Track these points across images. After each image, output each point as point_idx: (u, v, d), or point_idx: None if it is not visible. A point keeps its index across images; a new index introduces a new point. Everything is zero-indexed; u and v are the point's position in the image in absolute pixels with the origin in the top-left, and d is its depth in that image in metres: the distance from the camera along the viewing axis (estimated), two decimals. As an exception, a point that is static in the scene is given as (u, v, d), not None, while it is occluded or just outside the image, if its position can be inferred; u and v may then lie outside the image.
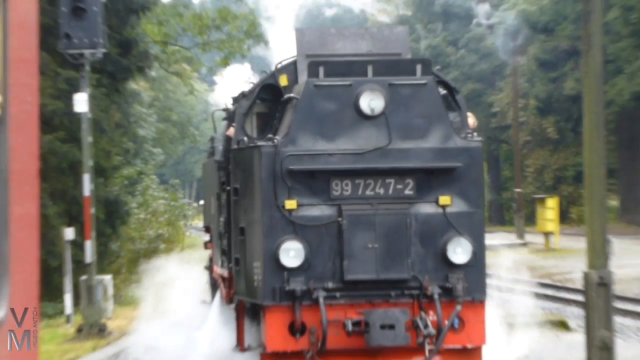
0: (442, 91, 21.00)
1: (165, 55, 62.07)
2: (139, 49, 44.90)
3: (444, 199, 18.60)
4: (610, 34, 68.30)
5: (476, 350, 19.60)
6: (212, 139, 34.20)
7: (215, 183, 26.32)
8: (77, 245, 38.03)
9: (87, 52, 35.50)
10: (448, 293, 18.57)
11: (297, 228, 18.22)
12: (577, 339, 29.81)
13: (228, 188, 22.25)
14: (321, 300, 17.89)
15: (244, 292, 20.32)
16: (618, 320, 32.12)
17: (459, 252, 18.79)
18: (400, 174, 18.68)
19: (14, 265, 7.50)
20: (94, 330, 35.36)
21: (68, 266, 37.71)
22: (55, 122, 36.98)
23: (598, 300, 28.00)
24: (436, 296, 18.35)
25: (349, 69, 18.73)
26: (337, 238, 18.41)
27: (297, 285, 17.93)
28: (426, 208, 18.71)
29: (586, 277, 28.10)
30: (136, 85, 44.95)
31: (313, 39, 22.74)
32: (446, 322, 18.38)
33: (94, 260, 37.22)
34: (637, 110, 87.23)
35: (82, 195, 37.27)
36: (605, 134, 36.59)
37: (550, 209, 73.89)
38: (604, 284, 27.91)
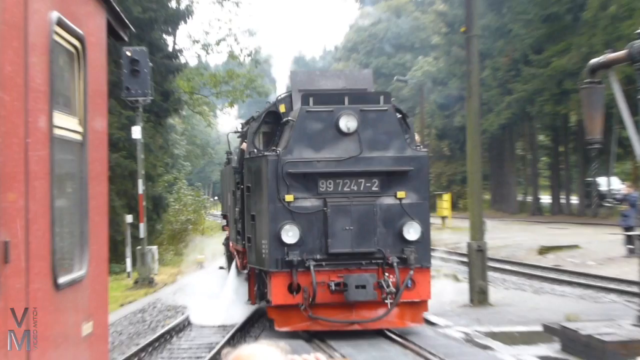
0: (398, 115, 21.99)
1: (192, 100, 69.34)
2: (174, 97, 50.35)
3: (400, 194, 19.81)
4: (484, 86, 57.18)
5: (423, 303, 20.72)
6: (227, 153, 33.66)
7: (232, 183, 26.16)
8: (134, 226, 39.92)
9: (140, 99, 36.54)
10: (404, 262, 19.62)
11: (293, 215, 19.14)
12: (464, 287, 31.03)
13: (242, 187, 22.88)
14: (312, 267, 18.86)
15: (255, 262, 21.05)
16: (490, 274, 33.22)
17: (412, 232, 19.82)
18: (368, 175, 19.65)
19: (92, 239, 7.73)
20: (145, 282, 37.50)
21: (128, 240, 39.82)
22: (120, 145, 40.41)
23: (477, 261, 29.69)
24: (395, 264, 19.40)
25: (331, 99, 19.95)
26: (323, 222, 19.33)
27: (294, 257, 18.86)
28: (387, 200, 19.83)
29: (469, 246, 30.37)
30: (172, 120, 47.00)
31: (303, 79, 23.98)
32: (403, 283, 19.51)
33: (145, 236, 38.98)
34: (502, 135, 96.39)
35: (137, 193, 39.22)
36: (481, 151, 37.83)
37: (445, 201, 75.44)
38: (481, 250, 29.72)
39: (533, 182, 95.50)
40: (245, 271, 23.22)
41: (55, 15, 6.18)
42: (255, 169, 20.49)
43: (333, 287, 18.71)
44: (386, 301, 19.27)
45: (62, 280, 6.42)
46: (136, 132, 36.44)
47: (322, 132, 19.25)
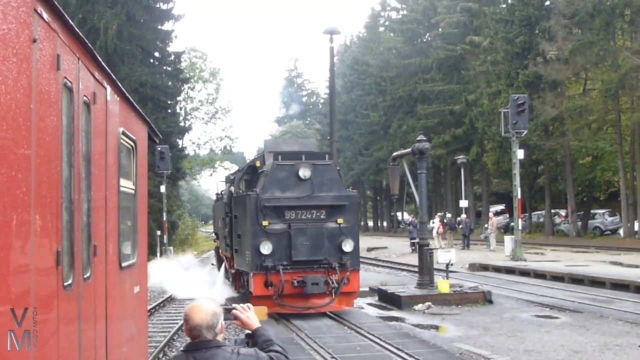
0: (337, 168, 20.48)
1: (190, 172, 54.77)
2: (182, 171, 53.44)
3: (340, 220, 18.32)
4: (342, 166, 53.05)
5: (354, 292, 18.94)
6: (217, 194, 31.48)
7: (222, 213, 24.77)
8: (161, 236, 41.52)
9: (165, 172, 39.73)
10: (342, 266, 17.98)
11: (268, 235, 17.77)
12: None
13: (230, 215, 21.95)
14: (281, 271, 17.52)
15: (239, 265, 20.49)
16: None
17: (347, 245, 18.21)
18: (318, 207, 18.31)
19: (139, 244, 8.22)
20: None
21: (157, 243, 40.66)
22: (154, 195, 40.83)
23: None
24: (337, 267, 17.94)
25: (293, 156, 18.69)
26: (288, 239, 17.93)
27: (268, 263, 17.58)
28: (331, 224, 18.32)
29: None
30: (181, 182, 43.42)
31: (272, 144, 24.25)
32: (342, 281, 17.90)
33: (167, 242, 41.84)
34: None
35: (162, 220, 41.20)
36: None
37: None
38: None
39: (364, 214, 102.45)
40: (233, 271, 22.83)
41: (121, 129, 6.44)
42: (241, 203, 19.60)
43: (296, 284, 17.57)
44: (331, 293, 17.98)
45: (124, 264, 7.36)
46: (162, 188, 40.99)
47: (287, 179, 18.23)
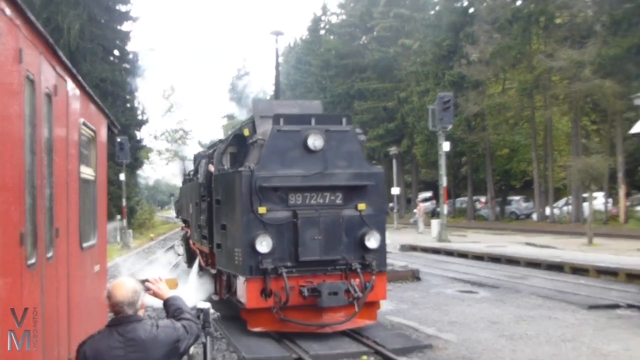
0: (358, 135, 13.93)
1: (147, 161, 54.66)
2: (139, 160, 52.73)
3: (361, 206, 12.27)
4: None
5: (378, 303, 12.74)
6: (185, 175, 24.49)
7: (195, 196, 17.93)
8: (120, 220, 39.15)
9: (124, 161, 39.57)
10: (365, 267, 12.06)
11: (266, 226, 11.80)
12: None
13: (208, 199, 15.19)
14: (284, 275, 11.63)
15: (225, 266, 13.48)
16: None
17: (372, 240, 12.18)
18: (333, 189, 12.27)
19: (99, 226, 8.11)
20: (126, 247, 36.07)
21: (117, 226, 38.22)
22: (114, 182, 38.73)
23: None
24: (359, 270, 11.96)
25: (300, 120, 12.55)
26: (293, 232, 11.99)
27: (267, 264, 11.57)
28: (349, 212, 12.26)
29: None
30: (138, 171, 41.91)
31: (264, 107, 15.24)
32: (367, 287, 11.86)
33: (126, 225, 39.61)
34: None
35: (122, 205, 39.43)
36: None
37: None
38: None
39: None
40: (213, 271, 15.40)
41: (81, 120, 6.25)
42: (226, 183, 13.55)
43: (306, 293, 11.85)
44: (353, 304, 12.09)
45: (84, 245, 6.95)
46: (122, 176, 39.48)
47: (291, 150, 12.37)
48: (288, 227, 12.21)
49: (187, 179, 23.12)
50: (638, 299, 16.19)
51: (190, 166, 23.81)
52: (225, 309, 14.27)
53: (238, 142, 14.95)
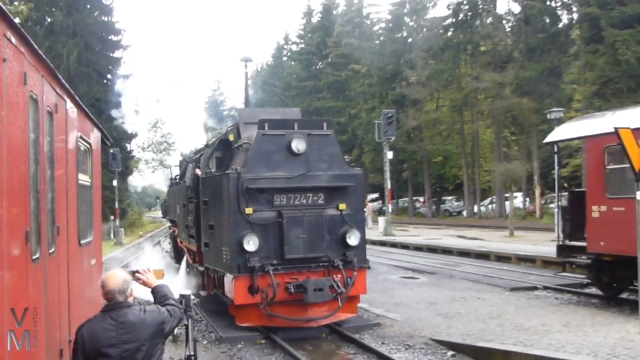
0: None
1: (137, 170, 53.91)
2: (130, 169, 47.62)
3: (342, 206, 11.38)
4: None
5: (358, 297, 11.85)
6: (171, 179, 22.99)
7: (182, 198, 16.75)
8: (113, 220, 38.83)
9: (116, 169, 38.10)
10: (346, 263, 11.13)
11: (252, 226, 10.91)
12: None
13: (195, 201, 14.20)
14: (271, 272, 10.67)
15: (213, 264, 12.48)
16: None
17: (353, 238, 11.31)
18: (315, 190, 11.36)
19: (95, 225, 8.06)
20: (119, 243, 35.69)
21: (111, 225, 38.40)
22: (107, 187, 37.89)
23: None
24: (341, 266, 11.10)
25: (283, 125, 11.57)
26: (278, 232, 11.09)
27: (254, 263, 10.65)
28: (331, 211, 11.35)
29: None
30: (129, 178, 41.17)
31: (248, 113, 14.20)
32: (349, 283, 11.04)
33: (118, 224, 39.24)
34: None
35: (115, 207, 38.93)
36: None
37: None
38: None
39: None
40: (201, 268, 14.19)
41: (79, 134, 6.17)
42: (213, 186, 12.47)
43: (292, 290, 10.91)
44: (337, 299, 11.11)
45: (82, 242, 6.69)
46: (114, 182, 38.87)
47: (276, 153, 11.41)
48: (274, 226, 11.25)
49: (174, 182, 21.74)
50: (552, 281, 16.26)
51: (176, 171, 22.31)
52: (213, 304, 13.69)
53: (223, 147, 13.76)
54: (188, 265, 17.47)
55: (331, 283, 11.10)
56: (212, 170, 13.44)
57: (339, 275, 11.28)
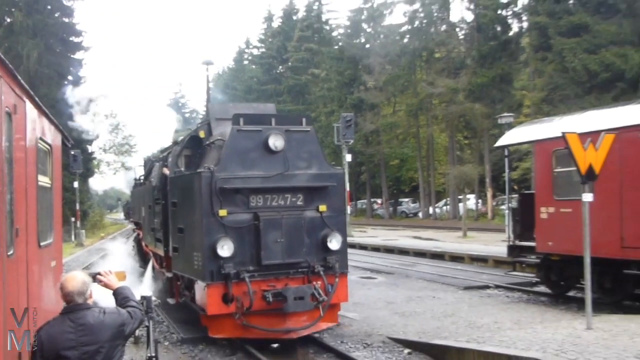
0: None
1: (98, 171, 51.89)
2: (91, 171, 48.67)
3: (322, 207, 10.23)
4: None
5: (339, 305, 10.70)
6: (135, 179, 21.72)
7: (148, 199, 15.18)
8: (74, 222, 37.80)
9: (77, 171, 36.73)
10: (328, 269, 10.03)
11: (226, 229, 9.60)
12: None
13: (162, 202, 12.84)
14: (247, 280, 9.51)
15: (182, 270, 11.15)
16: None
17: (334, 242, 10.18)
18: (294, 191, 10.14)
19: (55, 227, 7.79)
20: (79, 245, 35.72)
21: (72, 227, 37.55)
22: (68, 189, 36.41)
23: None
24: (322, 272, 9.98)
25: (260, 120, 10.34)
26: (254, 235, 9.80)
27: (229, 269, 9.41)
28: (311, 213, 10.15)
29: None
30: (90, 179, 39.83)
31: (219, 109, 12.48)
32: (331, 290, 9.93)
33: (79, 226, 38.46)
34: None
35: (76, 209, 37.21)
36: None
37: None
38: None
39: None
40: (169, 275, 12.58)
41: (39, 135, 5.96)
42: (184, 186, 11.08)
43: (270, 298, 9.70)
44: (318, 307, 9.93)
45: (42, 244, 6.39)
46: (75, 184, 37.48)
47: (252, 151, 10.14)
48: (249, 229, 9.95)
49: (138, 183, 20.28)
50: (503, 280, 16.43)
51: (140, 172, 20.81)
52: (182, 313, 12.64)
53: (193, 145, 12.15)
54: (153, 268, 15.97)
55: (312, 291, 9.87)
56: (182, 170, 11.94)
57: (319, 282, 10.09)
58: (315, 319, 10.16)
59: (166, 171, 12.91)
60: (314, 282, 10.14)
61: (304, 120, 10.96)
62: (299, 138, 10.63)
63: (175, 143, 13.69)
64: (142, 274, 17.74)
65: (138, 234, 20.47)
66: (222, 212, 9.87)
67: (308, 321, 10.21)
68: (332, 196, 10.67)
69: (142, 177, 19.04)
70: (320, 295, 9.99)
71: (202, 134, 12.08)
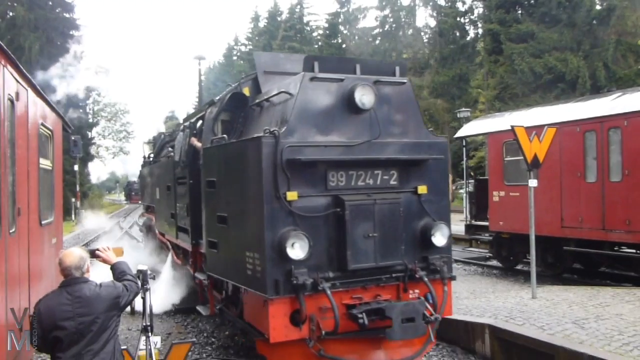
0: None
1: (98, 156, 53.51)
2: (91, 155, 47.95)
3: (422, 188, 5.85)
4: None
5: (438, 321, 5.79)
6: (144, 157, 16.07)
7: (167, 178, 9.96)
8: (75, 202, 35.85)
9: (77, 155, 32.80)
10: (434, 273, 5.80)
11: (297, 220, 5.25)
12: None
13: (191, 181, 7.84)
14: (328, 292, 5.13)
15: (222, 273, 6.47)
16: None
17: (439, 236, 5.82)
18: (386, 165, 5.74)
19: (56, 206, 7.49)
20: (79, 223, 33.25)
21: (72, 207, 35.37)
22: (69, 172, 34.88)
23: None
24: (425, 278, 5.66)
25: (340, 66, 5.82)
26: (336, 228, 5.47)
27: (303, 277, 5.14)
28: (407, 197, 5.83)
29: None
30: (90, 164, 39.85)
31: (268, 60, 7.39)
32: (441, 302, 5.80)
33: (80, 205, 37.30)
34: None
35: (77, 190, 35.91)
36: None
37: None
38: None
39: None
40: (202, 277, 7.67)
41: (40, 121, 5.76)
42: (228, 158, 6.27)
43: (366, 320, 5.24)
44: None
45: (43, 222, 6.39)
46: (76, 167, 36.30)
47: (330, 109, 5.63)
48: (328, 220, 5.74)
49: (147, 161, 15.56)
50: (462, 255, 16.49)
51: (147, 150, 16.65)
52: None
53: (236, 105, 7.49)
54: (173, 267, 11.12)
55: (425, 307, 5.77)
56: (224, 137, 7.13)
57: (417, 291, 6.10)
58: (424, 344, 6.10)
59: (196, 142, 8.46)
60: (410, 291, 6.11)
61: (396, 68, 6.56)
62: (393, 93, 6.39)
63: (209, 104, 8.49)
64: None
65: (150, 219, 15.02)
66: (292, 195, 5.58)
67: (411, 347, 6.15)
68: (433, 174, 6.45)
69: (152, 155, 14.83)
70: (432, 312, 5.94)
71: (246, 91, 7.60)
